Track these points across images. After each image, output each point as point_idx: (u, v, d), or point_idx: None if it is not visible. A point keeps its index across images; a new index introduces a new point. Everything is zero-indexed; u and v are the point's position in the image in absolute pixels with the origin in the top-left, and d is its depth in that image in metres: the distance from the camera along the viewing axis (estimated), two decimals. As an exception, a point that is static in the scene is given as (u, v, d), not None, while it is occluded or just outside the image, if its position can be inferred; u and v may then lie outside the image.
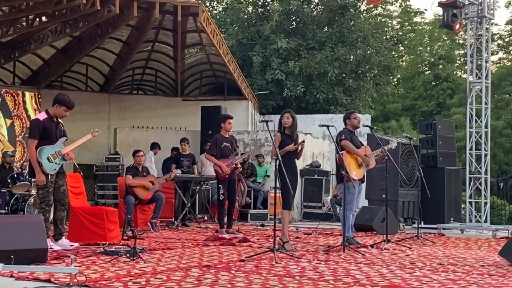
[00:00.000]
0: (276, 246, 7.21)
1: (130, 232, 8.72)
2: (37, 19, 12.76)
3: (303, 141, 8.26)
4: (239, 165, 10.32)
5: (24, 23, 12.86)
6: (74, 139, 7.77)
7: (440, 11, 12.39)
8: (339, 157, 8.31)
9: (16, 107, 14.51)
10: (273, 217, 8.89)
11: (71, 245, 7.57)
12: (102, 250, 7.20)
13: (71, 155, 7.66)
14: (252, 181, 14.45)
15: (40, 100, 15.11)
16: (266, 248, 7.57)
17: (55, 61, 15.97)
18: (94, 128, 8.25)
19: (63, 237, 7.64)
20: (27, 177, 10.76)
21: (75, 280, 4.92)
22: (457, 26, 12.36)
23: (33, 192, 10.62)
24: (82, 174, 8.77)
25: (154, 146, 13.88)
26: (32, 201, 10.64)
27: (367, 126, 9.71)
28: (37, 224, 6.30)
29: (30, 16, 12.64)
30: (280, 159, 7.36)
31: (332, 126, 8.29)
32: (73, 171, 8.96)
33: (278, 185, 7.58)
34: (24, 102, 14.72)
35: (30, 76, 16.44)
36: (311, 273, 5.91)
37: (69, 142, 7.68)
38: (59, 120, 7.56)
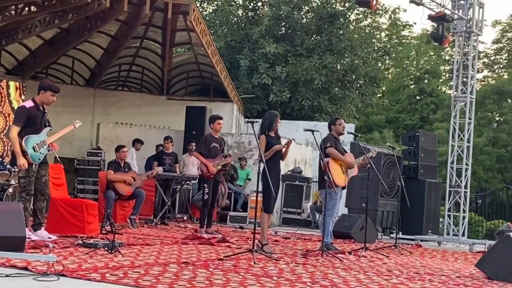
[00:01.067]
0: (255, 248, 7.21)
1: (109, 226, 8.68)
2: (26, 8, 12.67)
3: (292, 140, 8.26)
4: (226, 167, 10.33)
5: (13, 12, 12.75)
6: (57, 131, 7.71)
7: (428, 25, 12.52)
8: (324, 164, 8.34)
9: (2, 103, 14.38)
10: (252, 220, 8.89)
11: (49, 237, 7.51)
12: (80, 242, 7.15)
13: (56, 146, 7.61)
14: (231, 182, 14.43)
15: (24, 90, 14.98)
16: (245, 249, 7.56)
17: (42, 52, 15.85)
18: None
19: (42, 228, 7.58)
20: (7, 166, 10.66)
21: (53, 269, 4.88)
22: (446, 43, 12.57)
23: (13, 182, 10.51)
24: (63, 166, 8.72)
25: (136, 142, 13.80)
26: (11, 191, 10.53)
27: (351, 133, 9.75)
28: (16, 213, 6.24)
29: (19, 5, 12.54)
30: (264, 161, 7.38)
31: (317, 131, 8.32)
32: (54, 163, 8.90)
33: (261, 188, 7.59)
34: (8, 94, 14.59)
35: (16, 66, 16.29)
36: (288, 274, 5.92)
37: (52, 134, 7.63)
38: (45, 110, 7.51)
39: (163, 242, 8.28)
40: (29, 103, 7.43)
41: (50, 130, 7.56)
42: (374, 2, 11.13)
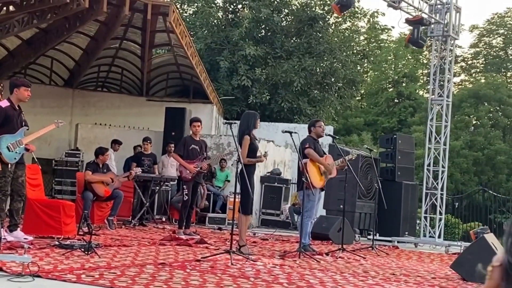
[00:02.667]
0: (233, 249, 7.23)
1: (86, 227, 8.64)
2: (4, 8, 12.56)
3: (266, 153, 8.36)
4: (205, 169, 10.33)
5: (-9, 12, 12.65)
6: (34, 131, 7.66)
7: (405, 29, 12.64)
8: (302, 165, 8.38)
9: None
10: (231, 221, 8.90)
11: (25, 238, 7.46)
12: (56, 243, 7.11)
13: (32, 148, 7.55)
14: (211, 180, 14.44)
15: (2, 90, 14.84)
16: (223, 250, 7.58)
17: (20, 52, 15.73)
18: (56, 121, 8.15)
19: (18, 229, 7.52)
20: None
21: (28, 270, 4.85)
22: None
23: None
24: (40, 167, 8.66)
25: (114, 143, 13.74)
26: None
27: (329, 135, 9.82)
28: (-9, 213, 6.19)
29: (-3, 5, 12.44)
30: (243, 163, 7.41)
31: (296, 133, 8.36)
32: (32, 163, 8.84)
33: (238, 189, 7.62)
34: (-15, 92, 14.45)
35: (-7, 66, 16.16)
36: (265, 275, 5.95)
37: (31, 134, 7.57)
38: (21, 109, 7.46)
39: (141, 243, 8.26)
40: (4, 103, 7.37)
41: (27, 130, 7.50)
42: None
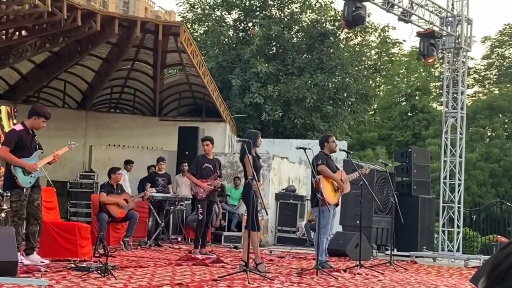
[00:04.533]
0: (249, 267, 7.17)
1: (102, 249, 8.62)
2: (17, 33, 12.69)
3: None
4: (218, 188, 10.32)
5: (4, 36, 12.77)
6: (49, 155, 7.68)
7: (416, 42, 12.59)
8: (315, 181, 8.33)
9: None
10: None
11: (42, 261, 7.45)
12: (73, 265, 7.10)
13: (57, 158, 7.58)
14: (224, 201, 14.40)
15: (16, 114, 14.95)
16: (239, 269, 7.52)
17: (33, 76, 15.86)
18: (70, 144, 8.17)
19: (35, 252, 7.52)
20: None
21: (45, 294, 4.83)
22: (430, 60, 12.62)
23: (5, 206, 10.43)
24: (55, 189, 8.68)
25: (126, 163, 13.75)
26: (3, 215, 10.45)
27: (343, 150, 9.77)
28: (8, 237, 6.20)
29: (9, 30, 12.56)
30: (251, 180, 7.43)
31: (310, 149, 8.32)
32: (46, 186, 8.86)
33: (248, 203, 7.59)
34: (0, 118, 14.56)
35: (7, 90, 16.28)
36: (283, 294, 5.89)
37: (44, 157, 7.59)
38: (35, 133, 7.49)
39: (157, 264, 8.23)
40: (19, 127, 7.41)
41: (42, 153, 7.53)
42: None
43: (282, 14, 25.36)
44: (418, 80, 38.66)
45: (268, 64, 22.44)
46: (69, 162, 15.37)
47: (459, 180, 12.40)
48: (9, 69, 15.36)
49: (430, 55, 12.28)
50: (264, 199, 7.89)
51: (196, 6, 26.44)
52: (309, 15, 25.68)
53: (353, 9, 10.76)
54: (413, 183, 13.44)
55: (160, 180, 12.47)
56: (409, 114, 37.59)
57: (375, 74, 29.14)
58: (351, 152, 11.25)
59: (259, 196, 7.83)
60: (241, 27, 25.45)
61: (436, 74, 38.51)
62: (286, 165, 15.40)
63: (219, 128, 17.77)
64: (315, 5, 25.60)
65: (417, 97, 37.34)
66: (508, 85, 37.85)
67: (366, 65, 27.43)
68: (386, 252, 12.18)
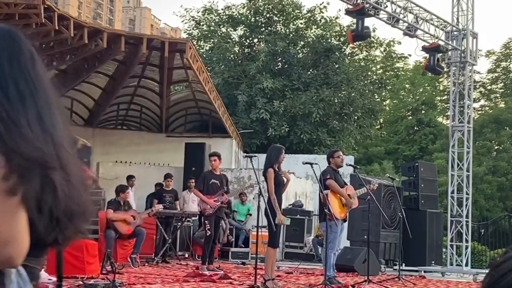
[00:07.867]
0: (258, 284, 7.15)
1: (109, 266, 8.61)
2: (24, 51, 12.74)
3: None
4: (225, 202, 10.31)
5: (11, 55, 12.83)
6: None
7: (421, 57, 12.64)
8: (323, 196, 8.32)
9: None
10: (254, 255, 8.84)
11: (49, 279, 7.43)
12: (80, 282, 7.09)
13: None
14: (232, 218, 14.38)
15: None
16: (247, 286, 7.49)
17: (40, 93, 15.90)
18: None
19: (42, 270, 7.50)
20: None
21: (53, 311, 4.82)
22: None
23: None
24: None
25: (128, 179, 13.72)
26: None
27: (350, 165, 9.76)
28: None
29: (17, 48, 12.63)
30: (270, 195, 7.41)
31: (316, 164, 8.32)
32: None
33: (262, 220, 7.56)
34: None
35: (14, 108, 16.34)
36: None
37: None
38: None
39: (164, 280, 8.20)
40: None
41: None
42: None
43: (288, 30, 25.47)
44: (423, 94, 38.67)
45: (274, 80, 22.51)
46: (76, 179, 15.38)
47: (467, 194, 12.35)
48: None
49: (440, 69, 12.43)
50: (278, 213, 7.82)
51: (201, 23, 26.61)
52: (314, 31, 25.80)
53: (365, 25, 11.22)
54: (420, 197, 13.39)
55: (167, 196, 12.48)
56: (415, 128, 37.56)
57: (380, 89, 29.18)
58: (358, 166, 11.22)
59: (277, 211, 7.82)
60: (246, 43, 25.58)
61: (441, 88, 38.51)
62: (293, 180, 15.36)
63: (226, 144, 17.79)
64: (320, 20, 25.72)
65: (423, 111, 37.32)
66: (514, 99, 37.77)
67: (372, 80, 27.49)
68: (395, 267, 12.12)
